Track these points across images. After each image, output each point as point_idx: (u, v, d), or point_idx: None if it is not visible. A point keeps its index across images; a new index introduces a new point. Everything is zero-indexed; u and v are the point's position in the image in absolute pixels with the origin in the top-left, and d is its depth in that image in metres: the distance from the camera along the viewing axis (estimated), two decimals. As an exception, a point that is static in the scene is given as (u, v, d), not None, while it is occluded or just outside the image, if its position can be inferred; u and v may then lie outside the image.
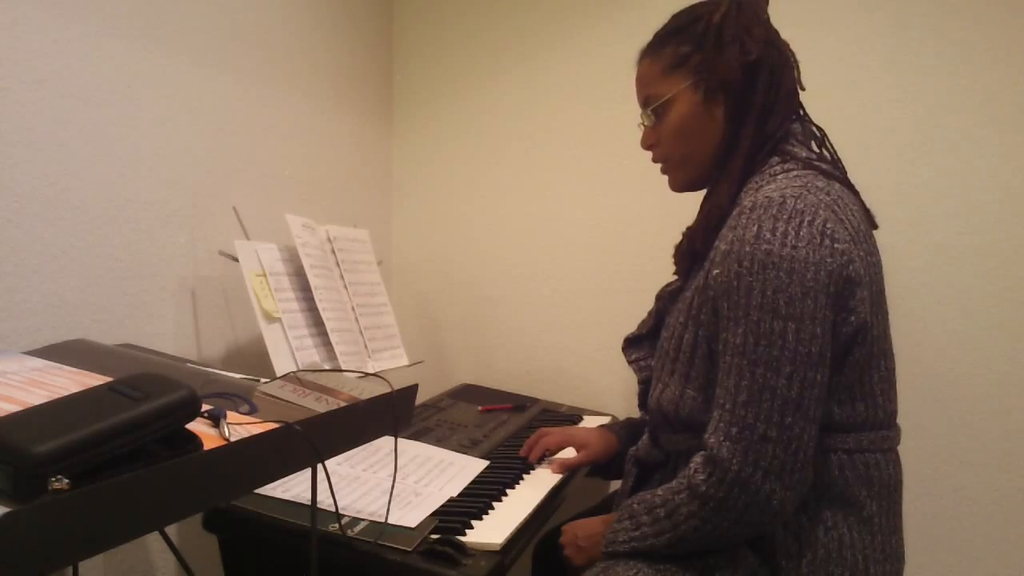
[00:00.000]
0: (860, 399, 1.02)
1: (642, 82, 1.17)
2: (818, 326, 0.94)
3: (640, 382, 1.22)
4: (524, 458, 1.41)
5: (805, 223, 0.95)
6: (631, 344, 1.27)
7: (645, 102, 1.16)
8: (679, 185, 1.19)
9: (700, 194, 1.19)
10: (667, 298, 1.23)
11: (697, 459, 0.99)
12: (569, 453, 1.41)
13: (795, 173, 1.04)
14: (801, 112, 1.15)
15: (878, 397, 1.03)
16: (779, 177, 1.04)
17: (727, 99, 1.09)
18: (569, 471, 1.37)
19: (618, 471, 1.35)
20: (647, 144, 1.19)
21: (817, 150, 1.13)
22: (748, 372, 0.95)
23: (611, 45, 1.94)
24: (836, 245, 0.95)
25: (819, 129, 1.16)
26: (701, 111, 1.10)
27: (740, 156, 1.08)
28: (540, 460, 1.42)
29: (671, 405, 1.08)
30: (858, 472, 1.01)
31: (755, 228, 0.96)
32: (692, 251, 1.15)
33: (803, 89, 1.14)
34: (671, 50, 1.12)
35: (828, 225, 0.96)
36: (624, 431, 1.41)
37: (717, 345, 1.02)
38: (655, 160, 1.20)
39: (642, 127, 1.19)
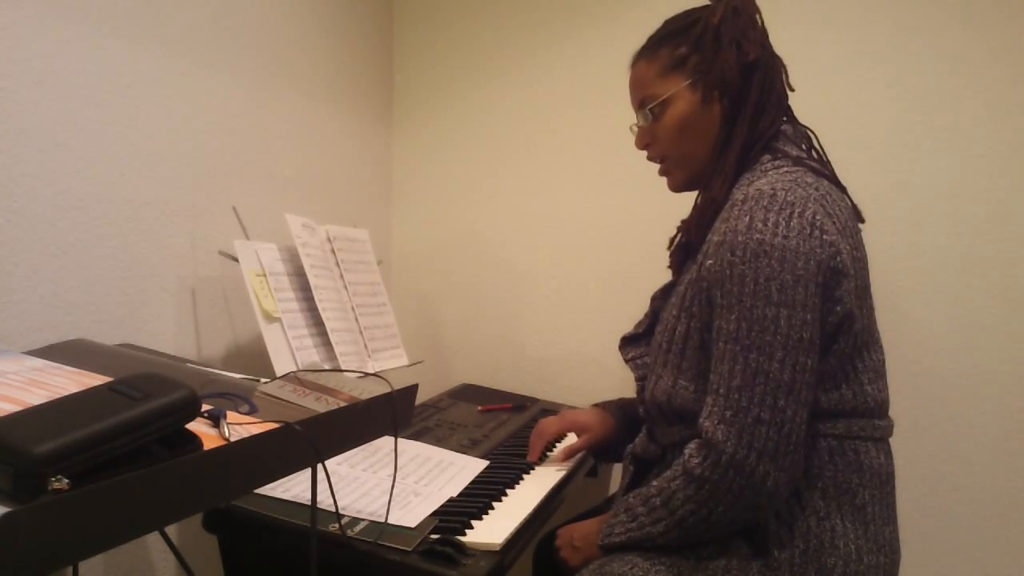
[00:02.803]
0: (846, 386, 1.04)
1: (638, 83, 1.19)
2: (808, 313, 0.97)
3: (637, 379, 1.23)
4: (524, 458, 1.41)
5: (796, 214, 0.98)
6: (628, 343, 1.29)
7: (641, 103, 1.18)
8: (679, 185, 1.21)
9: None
10: (661, 295, 1.26)
11: (692, 445, 1.01)
12: (571, 438, 1.43)
13: (785, 169, 1.07)
14: (790, 114, 1.18)
15: (866, 385, 1.05)
16: (770, 172, 1.07)
17: (723, 99, 1.12)
18: (575, 455, 1.39)
19: (617, 453, 1.37)
20: (642, 144, 1.21)
21: (807, 151, 1.16)
22: (741, 357, 0.97)
23: (611, 45, 1.94)
24: (825, 237, 0.98)
25: (810, 131, 1.19)
26: (699, 110, 1.13)
27: (733, 152, 1.11)
28: (542, 457, 1.42)
29: (664, 395, 1.10)
30: (848, 459, 1.03)
31: (747, 219, 0.99)
32: (686, 244, 1.19)
33: (792, 90, 1.17)
34: (668, 51, 1.15)
35: (817, 217, 0.99)
36: (619, 410, 1.42)
37: (709, 335, 1.04)
38: (650, 159, 1.22)
39: (635, 129, 1.22)
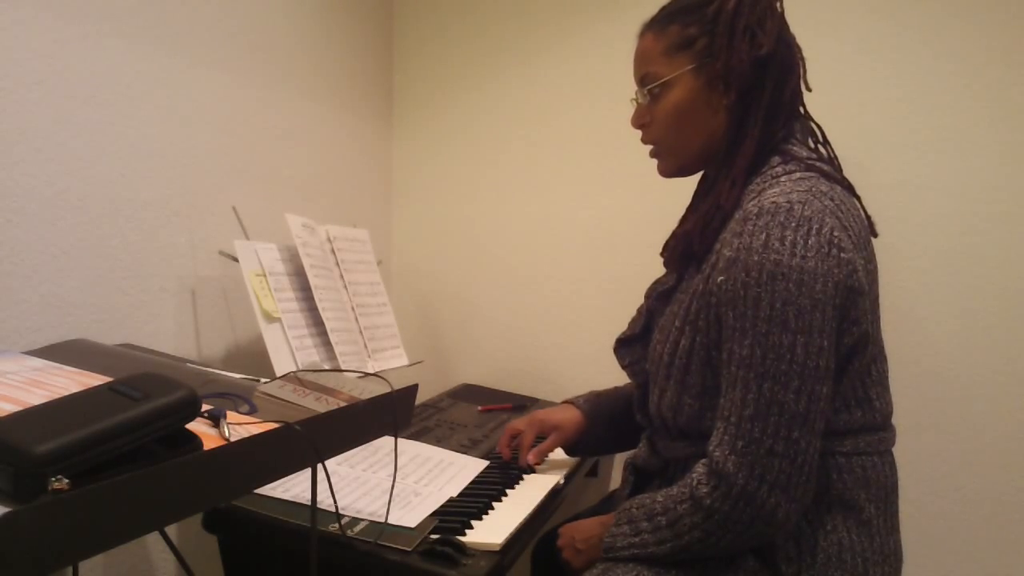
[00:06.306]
0: (856, 405, 1.02)
1: (642, 58, 1.12)
2: (825, 339, 0.93)
3: (636, 387, 1.20)
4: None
5: (813, 232, 0.93)
6: (623, 346, 1.25)
7: (642, 80, 1.12)
8: (669, 171, 1.16)
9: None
10: (657, 297, 1.20)
11: (700, 469, 0.98)
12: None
13: (798, 176, 1.02)
14: (802, 110, 1.12)
15: (874, 401, 1.03)
16: (782, 179, 1.02)
17: (730, 93, 1.05)
18: (544, 455, 1.35)
19: (587, 448, 1.37)
20: (638, 123, 1.15)
21: (814, 147, 1.12)
22: (755, 385, 0.93)
23: (610, 45, 1.94)
24: (843, 255, 0.94)
25: (818, 126, 1.14)
26: (699, 99, 1.07)
27: (744, 156, 1.05)
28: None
29: (670, 411, 1.07)
30: (856, 475, 1.01)
31: (763, 236, 0.94)
32: (687, 251, 1.12)
33: (809, 90, 1.11)
34: (677, 29, 1.08)
35: (835, 234, 0.94)
36: (587, 404, 1.38)
37: (716, 353, 1.00)
38: (644, 141, 1.17)
39: (635, 103, 1.15)
